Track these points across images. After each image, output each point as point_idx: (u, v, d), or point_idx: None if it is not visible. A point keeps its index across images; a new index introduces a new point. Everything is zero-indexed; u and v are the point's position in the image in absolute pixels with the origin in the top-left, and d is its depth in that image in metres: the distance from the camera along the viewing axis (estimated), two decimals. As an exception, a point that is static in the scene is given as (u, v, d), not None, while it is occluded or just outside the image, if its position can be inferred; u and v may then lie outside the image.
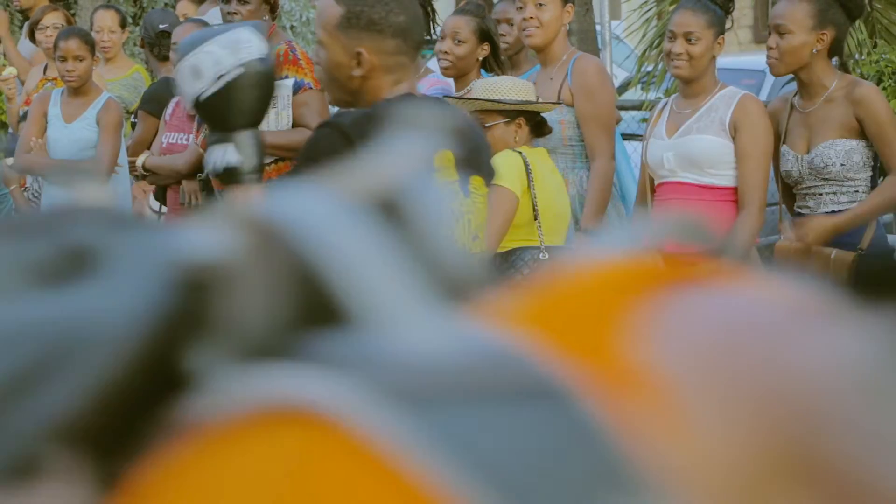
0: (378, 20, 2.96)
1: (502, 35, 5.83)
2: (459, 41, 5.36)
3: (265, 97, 3.02)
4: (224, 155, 2.94)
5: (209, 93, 2.89)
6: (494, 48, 5.45)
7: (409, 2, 3.06)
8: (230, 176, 2.97)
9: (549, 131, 4.79)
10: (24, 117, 7.05)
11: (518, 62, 5.84)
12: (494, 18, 5.91)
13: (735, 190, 4.71)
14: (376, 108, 2.94)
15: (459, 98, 4.87)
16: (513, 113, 4.61)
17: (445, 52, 5.37)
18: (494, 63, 5.47)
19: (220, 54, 2.91)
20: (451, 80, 5.48)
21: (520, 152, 4.54)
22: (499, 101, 4.60)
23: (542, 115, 4.75)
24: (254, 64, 2.95)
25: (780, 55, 4.71)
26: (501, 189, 4.50)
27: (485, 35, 5.40)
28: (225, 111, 2.93)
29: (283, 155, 5.66)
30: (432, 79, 5.51)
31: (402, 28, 3.00)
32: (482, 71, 5.47)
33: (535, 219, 4.49)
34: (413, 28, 3.05)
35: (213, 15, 6.98)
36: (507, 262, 4.48)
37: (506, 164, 4.53)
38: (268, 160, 5.69)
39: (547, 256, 4.47)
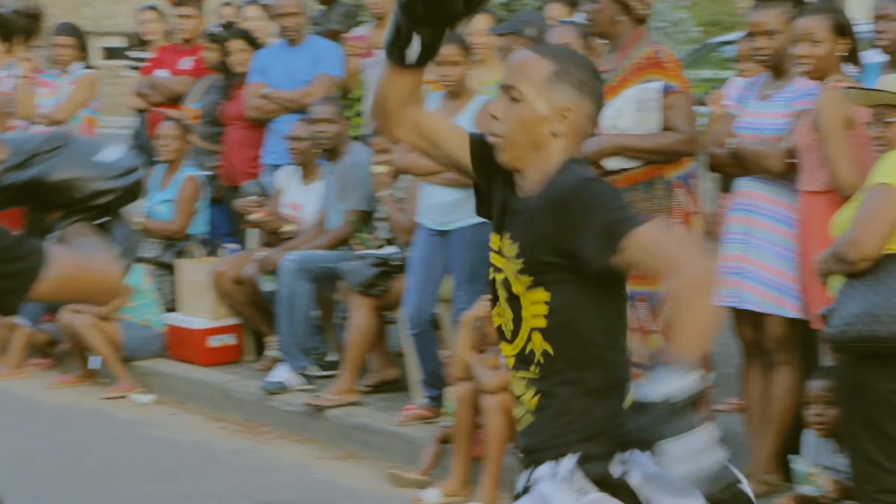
0: (586, 82, 2.96)
1: (882, 32, 5.60)
2: (816, 42, 5.15)
3: None
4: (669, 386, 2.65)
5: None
6: (853, 42, 5.21)
7: (597, 71, 3.05)
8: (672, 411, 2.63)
9: None
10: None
11: (903, 59, 5.61)
12: (875, 15, 5.68)
13: None
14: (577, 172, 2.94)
15: (865, 90, 4.66)
16: None
17: (804, 56, 5.18)
18: (853, 58, 5.22)
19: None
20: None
21: None
22: None
23: None
24: None
25: None
26: (889, 188, 4.28)
27: (842, 30, 5.18)
28: None
29: (651, 158, 5.62)
30: (802, 81, 5.35)
31: (600, 95, 3.00)
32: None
33: None
34: (602, 99, 3.03)
35: (581, 17, 7.01)
36: (892, 265, 4.27)
37: None
38: (636, 164, 5.68)
39: None
